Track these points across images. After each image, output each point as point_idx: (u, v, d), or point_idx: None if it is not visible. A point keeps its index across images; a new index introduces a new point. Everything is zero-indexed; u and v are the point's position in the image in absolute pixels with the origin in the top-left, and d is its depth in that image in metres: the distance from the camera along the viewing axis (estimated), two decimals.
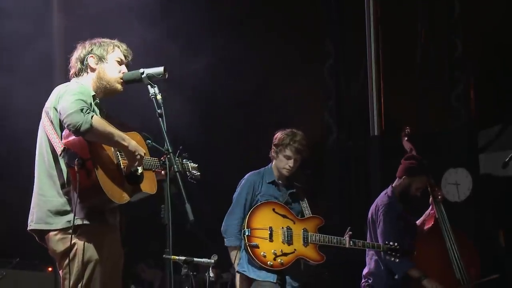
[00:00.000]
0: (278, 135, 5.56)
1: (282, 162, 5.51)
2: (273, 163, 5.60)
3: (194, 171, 4.54)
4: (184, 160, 4.48)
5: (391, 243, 5.67)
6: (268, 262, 5.26)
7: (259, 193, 5.50)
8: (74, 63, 4.28)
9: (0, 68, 7.08)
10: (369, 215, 6.12)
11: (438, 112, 8.73)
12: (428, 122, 8.63)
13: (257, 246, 5.26)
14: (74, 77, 4.28)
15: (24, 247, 6.87)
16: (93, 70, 4.24)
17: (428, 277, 5.86)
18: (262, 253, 5.26)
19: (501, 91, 8.15)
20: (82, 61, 4.25)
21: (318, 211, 5.63)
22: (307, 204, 5.60)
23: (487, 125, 8.48)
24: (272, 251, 5.28)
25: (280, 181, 5.59)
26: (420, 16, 8.78)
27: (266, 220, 5.34)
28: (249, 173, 5.64)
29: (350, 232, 5.51)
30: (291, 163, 5.49)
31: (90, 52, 4.25)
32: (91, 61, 4.24)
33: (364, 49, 8.83)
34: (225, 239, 5.48)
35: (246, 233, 5.28)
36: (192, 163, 4.57)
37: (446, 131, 8.45)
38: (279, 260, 5.28)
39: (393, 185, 6.18)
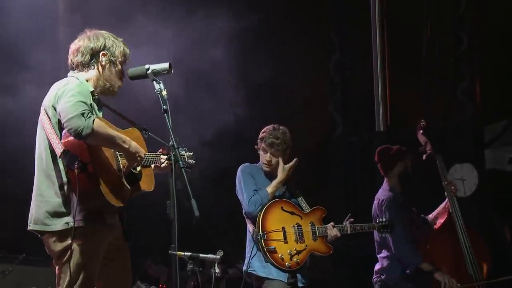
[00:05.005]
0: (261, 132, 5.59)
1: (261, 157, 5.56)
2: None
3: (190, 160, 4.54)
4: (180, 149, 4.47)
5: (381, 219, 5.79)
6: (286, 264, 5.28)
7: (258, 185, 5.47)
8: (84, 51, 4.17)
9: (5, 65, 7.07)
10: (373, 212, 6.14)
11: (443, 107, 8.71)
12: (433, 117, 8.61)
13: (274, 251, 5.25)
14: (76, 66, 4.19)
15: (30, 243, 6.88)
16: (102, 67, 4.18)
17: (440, 270, 5.89)
18: (280, 256, 5.27)
19: (507, 85, 8.12)
20: (94, 54, 4.17)
21: (322, 205, 5.62)
22: (302, 197, 5.61)
23: (493, 120, 8.46)
24: (288, 251, 5.29)
25: (272, 176, 5.56)
26: (426, 10, 8.75)
27: (277, 221, 5.35)
28: (243, 164, 5.62)
29: (351, 219, 5.55)
30: (267, 157, 5.50)
31: (103, 49, 4.17)
32: (103, 59, 4.17)
33: (369, 43, 8.82)
34: (261, 205, 5.36)
35: (263, 237, 5.26)
36: (187, 152, 4.56)
37: (452, 126, 8.43)
38: (295, 259, 5.30)
39: (387, 180, 6.21)
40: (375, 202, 6.17)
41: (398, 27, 8.87)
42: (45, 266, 7.36)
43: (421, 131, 6.32)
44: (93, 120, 3.80)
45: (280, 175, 5.47)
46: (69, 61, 4.24)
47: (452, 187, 6.16)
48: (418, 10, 8.82)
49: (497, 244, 7.64)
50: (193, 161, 4.57)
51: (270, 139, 5.48)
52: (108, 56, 4.18)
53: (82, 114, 3.79)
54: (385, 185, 6.24)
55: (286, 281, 5.31)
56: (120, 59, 4.22)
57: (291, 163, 5.50)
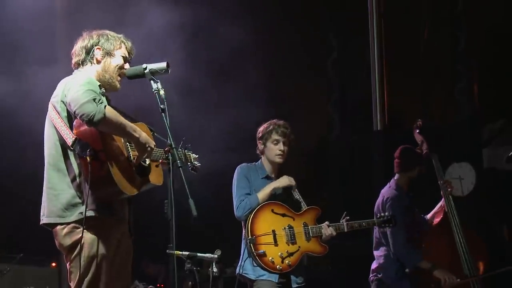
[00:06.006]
0: (260, 128, 5.58)
1: (272, 150, 5.50)
2: (263, 158, 5.59)
3: (196, 162, 4.57)
4: (186, 151, 4.50)
5: (382, 214, 5.75)
6: (277, 267, 5.24)
7: (254, 187, 5.46)
8: (79, 52, 4.24)
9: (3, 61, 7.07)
10: (376, 208, 6.14)
11: (441, 106, 8.73)
12: (431, 116, 8.63)
13: (264, 254, 5.22)
14: (76, 66, 4.25)
15: (28, 242, 6.88)
16: (98, 62, 4.22)
17: (439, 268, 5.91)
18: (270, 259, 5.23)
19: (505, 85, 8.13)
20: (88, 51, 4.22)
21: (320, 205, 5.61)
22: (299, 195, 5.57)
23: (490, 119, 8.47)
24: (279, 254, 5.25)
25: (273, 176, 5.56)
26: (423, 10, 8.77)
27: (267, 224, 5.30)
28: (240, 165, 5.60)
29: (348, 217, 5.51)
30: (280, 146, 5.48)
31: (97, 44, 4.22)
32: (98, 53, 4.21)
33: (367, 43, 8.82)
34: (249, 210, 5.34)
35: (252, 242, 5.23)
36: (193, 154, 4.60)
37: (450, 125, 8.44)
38: (286, 261, 5.26)
39: (396, 178, 6.22)
40: (379, 199, 6.17)
41: (396, 27, 8.88)
42: (43, 266, 7.38)
43: (418, 131, 6.33)
44: (105, 106, 3.82)
45: (277, 181, 5.47)
46: (71, 65, 4.30)
47: (448, 186, 6.17)
48: (415, 10, 8.83)
49: (495, 243, 7.66)
50: (199, 164, 4.59)
51: (281, 128, 5.48)
52: (103, 50, 4.22)
53: (94, 100, 3.80)
54: (392, 183, 6.23)
55: (276, 281, 5.28)
56: (117, 50, 4.25)
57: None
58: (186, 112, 7.36)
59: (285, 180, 5.47)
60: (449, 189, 6.17)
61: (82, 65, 4.23)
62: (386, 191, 6.19)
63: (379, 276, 6.14)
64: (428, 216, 6.34)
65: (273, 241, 5.26)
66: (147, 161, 4.17)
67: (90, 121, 3.79)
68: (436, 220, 6.24)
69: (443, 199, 6.18)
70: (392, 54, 8.84)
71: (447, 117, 8.61)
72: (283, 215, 5.39)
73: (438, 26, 8.74)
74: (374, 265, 6.20)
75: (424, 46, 8.75)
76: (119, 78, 4.25)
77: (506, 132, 8.35)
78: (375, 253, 6.20)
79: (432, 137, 6.43)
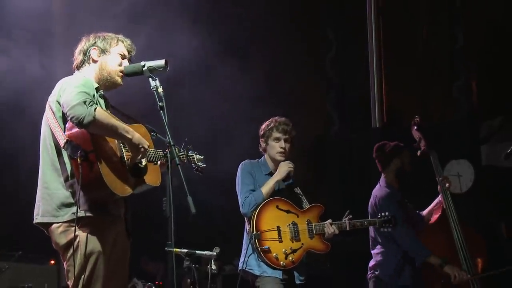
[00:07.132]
0: (262, 126, 5.58)
1: (273, 148, 5.51)
2: (265, 155, 5.60)
3: (200, 163, 4.57)
4: (189, 152, 4.50)
5: (383, 213, 5.73)
6: (281, 263, 5.25)
7: (258, 184, 5.46)
8: (77, 55, 4.31)
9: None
10: (370, 208, 6.16)
11: (440, 104, 8.74)
12: (430, 114, 8.63)
13: (269, 250, 5.22)
14: (75, 69, 4.30)
15: (26, 240, 6.88)
16: (95, 61, 4.27)
17: (449, 263, 5.91)
18: (274, 255, 5.23)
19: (503, 82, 8.14)
20: (85, 53, 4.27)
21: (320, 203, 5.61)
22: (300, 191, 5.59)
23: (489, 116, 8.48)
24: (283, 250, 5.26)
25: None
26: (422, 7, 8.77)
27: (272, 220, 5.31)
28: (243, 162, 5.60)
29: (350, 216, 5.52)
30: (282, 144, 5.48)
31: (93, 45, 4.28)
32: (94, 53, 4.26)
33: (366, 40, 8.83)
34: (255, 206, 5.34)
35: (257, 237, 5.24)
36: (197, 155, 4.60)
37: (448, 123, 8.44)
38: (290, 258, 5.27)
39: (384, 176, 6.23)
40: (372, 198, 6.19)
41: (394, 24, 8.89)
42: (42, 264, 7.38)
43: (415, 127, 6.34)
44: (95, 108, 3.84)
45: (277, 172, 5.47)
46: (72, 69, 4.35)
47: (446, 183, 6.18)
48: (414, 7, 8.84)
49: (493, 240, 7.67)
50: (204, 164, 4.59)
51: (282, 126, 5.48)
52: (99, 49, 4.27)
53: (84, 102, 3.83)
54: (382, 181, 6.25)
55: (280, 277, 5.30)
56: (114, 48, 4.29)
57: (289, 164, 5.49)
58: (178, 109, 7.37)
59: (284, 168, 5.46)
60: (447, 186, 6.17)
61: (81, 67, 4.28)
62: (377, 190, 6.21)
63: (377, 273, 6.15)
64: (424, 213, 6.34)
65: (277, 237, 5.28)
66: (143, 162, 4.17)
67: (79, 124, 3.83)
68: (434, 217, 6.25)
69: (440, 196, 6.19)
70: (390, 51, 8.84)
71: (446, 115, 8.62)
72: (288, 211, 5.40)
73: (436, 24, 8.75)
74: (371, 263, 6.22)
75: (422, 44, 8.76)
76: (120, 74, 4.27)
77: (505, 129, 8.35)
78: (372, 251, 6.21)
79: (431, 134, 6.44)
